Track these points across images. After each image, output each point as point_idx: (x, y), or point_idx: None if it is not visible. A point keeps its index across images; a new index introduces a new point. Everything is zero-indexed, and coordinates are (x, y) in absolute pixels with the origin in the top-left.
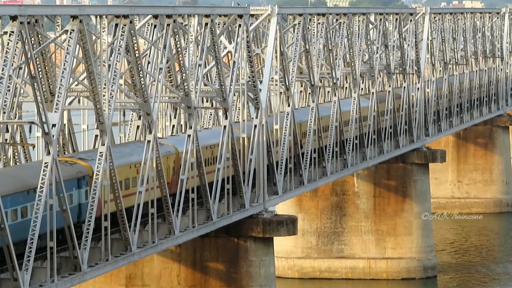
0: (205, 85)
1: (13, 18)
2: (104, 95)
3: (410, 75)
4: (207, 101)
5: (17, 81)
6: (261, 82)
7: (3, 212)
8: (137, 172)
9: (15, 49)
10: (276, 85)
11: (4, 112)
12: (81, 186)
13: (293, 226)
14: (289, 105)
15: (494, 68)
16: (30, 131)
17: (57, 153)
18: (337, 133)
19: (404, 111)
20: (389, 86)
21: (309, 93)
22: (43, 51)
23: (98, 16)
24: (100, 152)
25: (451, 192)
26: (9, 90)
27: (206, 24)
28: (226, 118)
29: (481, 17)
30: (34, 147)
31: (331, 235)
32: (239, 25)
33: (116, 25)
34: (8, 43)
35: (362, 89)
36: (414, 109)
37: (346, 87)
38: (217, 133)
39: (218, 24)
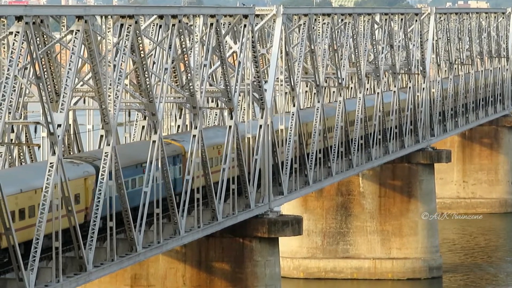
0: (210, 85)
1: (19, 18)
2: (109, 95)
3: (416, 75)
4: (212, 101)
5: (23, 81)
6: (266, 82)
7: (9, 213)
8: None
9: (21, 49)
10: (281, 85)
11: (9, 112)
12: (176, 163)
13: (299, 226)
14: (294, 105)
15: (499, 68)
16: (35, 131)
17: (64, 152)
18: (342, 133)
19: (409, 111)
20: (395, 86)
21: (314, 93)
22: (49, 52)
23: (104, 16)
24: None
25: (457, 192)
26: (15, 90)
27: (212, 24)
28: (232, 118)
29: (486, 17)
30: (39, 147)
31: (336, 235)
32: (245, 25)
33: (122, 25)
34: (13, 43)
35: (367, 89)
36: (420, 109)
37: (351, 87)
38: None
39: (224, 24)
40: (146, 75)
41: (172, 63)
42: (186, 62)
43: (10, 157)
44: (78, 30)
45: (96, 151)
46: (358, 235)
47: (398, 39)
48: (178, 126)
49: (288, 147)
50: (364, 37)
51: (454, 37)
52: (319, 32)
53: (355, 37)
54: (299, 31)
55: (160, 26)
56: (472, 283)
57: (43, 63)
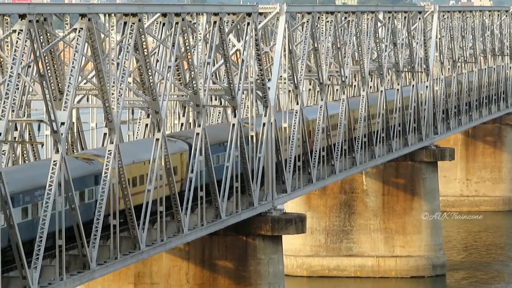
0: (214, 83)
1: (22, 16)
2: (112, 93)
3: (419, 73)
4: (215, 99)
5: (26, 79)
6: (269, 80)
7: (11, 210)
8: None
9: (24, 48)
10: (285, 83)
11: (13, 110)
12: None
13: (302, 224)
14: (297, 103)
15: (503, 66)
16: (39, 129)
17: (67, 151)
18: (346, 131)
19: (412, 109)
20: (398, 84)
21: (318, 91)
22: (52, 50)
23: (107, 15)
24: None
25: (460, 190)
26: (18, 88)
27: (215, 22)
28: (235, 116)
29: (489, 15)
30: (42, 145)
31: (339, 233)
32: (248, 23)
33: (125, 23)
34: (17, 41)
35: (370, 87)
36: (423, 107)
37: (354, 85)
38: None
39: (227, 22)
40: (150, 73)
41: (176, 61)
42: (190, 60)
43: (13, 155)
44: (82, 28)
45: (187, 131)
46: (361, 233)
47: (402, 37)
48: (182, 124)
49: (292, 145)
50: (367, 35)
51: (457, 35)
52: (322, 30)
53: (358, 35)
54: (302, 29)
55: (164, 24)
56: (476, 281)
57: (46, 61)
